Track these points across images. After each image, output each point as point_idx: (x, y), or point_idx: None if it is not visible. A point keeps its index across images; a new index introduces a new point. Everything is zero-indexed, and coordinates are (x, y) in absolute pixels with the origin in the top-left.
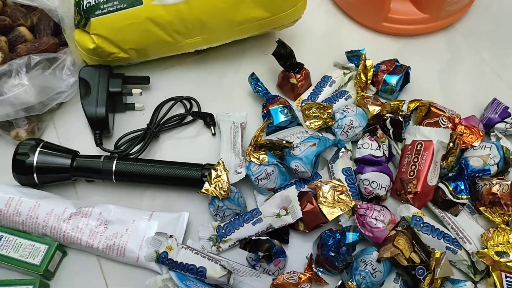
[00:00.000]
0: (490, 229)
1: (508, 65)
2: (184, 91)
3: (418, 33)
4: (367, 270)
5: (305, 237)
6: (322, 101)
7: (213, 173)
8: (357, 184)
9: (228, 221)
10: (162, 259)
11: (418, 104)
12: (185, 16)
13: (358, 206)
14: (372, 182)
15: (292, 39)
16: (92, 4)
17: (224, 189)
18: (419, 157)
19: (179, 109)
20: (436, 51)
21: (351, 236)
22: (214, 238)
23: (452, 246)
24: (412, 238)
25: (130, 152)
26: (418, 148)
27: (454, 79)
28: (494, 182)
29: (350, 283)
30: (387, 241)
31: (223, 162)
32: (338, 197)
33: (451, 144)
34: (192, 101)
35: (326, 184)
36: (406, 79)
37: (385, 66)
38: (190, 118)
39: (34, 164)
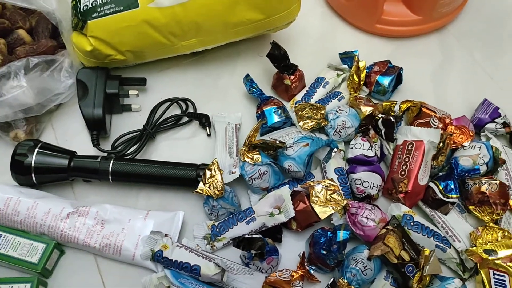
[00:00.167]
0: (479, 227)
1: (499, 66)
2: (180, 93)
3: (411, 34)
4: (358, 268)
5: (298, 235)
6: (315, 102)
7: (208, 173)
8: (349, 183)
9: (222, 220)
10: (157, 257)
11: (409, 104)
12: (181, 19)
13: (350, 205)
14: (364, 181)
15: (287, 41)
16: (89, 7)
17: (218, 189)
18: (410, 157)
19: (175, 110)
20: (429, 52)
21: (341, 234)
22: (209, 237)
23: (441, 244)
24: (402, 236)
25: (127, 152)
26: (409, 148)
27: (446, 80)
28: (483, 181)
29: (341, 280)
30: (378, 239)
31: (217, 162)
32: (330, 196)
33: (441, 144)
34: (188, 102)
35: (318, 183)
36: (398, 80)
37: (377, 67)
38: (186, 119)
39: (32, 165)
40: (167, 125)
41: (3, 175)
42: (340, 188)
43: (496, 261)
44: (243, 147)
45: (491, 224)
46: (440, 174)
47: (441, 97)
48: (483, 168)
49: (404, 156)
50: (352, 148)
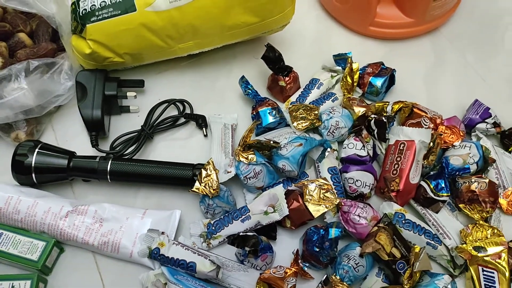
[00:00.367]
0: (469, 225)
1: (491, 68)
2: (177, 94)
3: (404, 36)
4: (350, 265)
5: (292, 233)
6: (309, 103)
7: (203, 172)
8: (342, 182)
9: (218, 219)
10: (154, 255)
11: (401, 105)
12: (177, 22)
13: (343, 204)
14: (357, 180)
15: (282, 43)
16: (88, 11)
17: (214, 188)
18: (402, 156)
19: (172, 112)
20: (422, 54)
21: (333, 232)
22: (205, 235)
23: (432, 242)
24: (393, 233)
25: (125, 152)
26: (401, 148)
27: (439, 81)
28: (473, 180)
29: (334, 277)
30: (370, 236)
31: (212, 162)
32: (324, 195)
33: (431, 143)
34: (185, 103)
35: (312, 182)
36: (391, 81)
37: (371, 69)
38: (183, 120)
39: (33, 165)
40: (165, 126)
41: (4, 175)
42: (333, 187)
43: (485, 258)
44: (238, 147)
45: (481, 222)
46: (431, 173)
47: (433, 98)
48: (473, 167)
49: (396, 155)
50: (345, 148)
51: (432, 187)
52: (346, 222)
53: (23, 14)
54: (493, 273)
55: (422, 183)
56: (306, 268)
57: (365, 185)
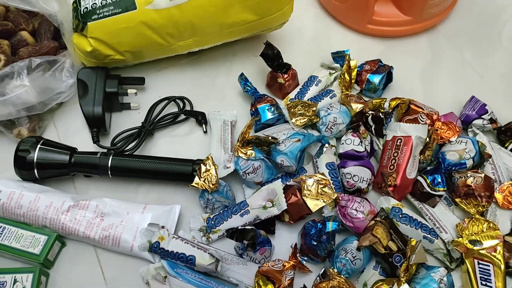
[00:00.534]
0: (465, 219)
1: (489, 65)
2: (177, 92)
3: (402, 34)
4: (347, 258)
5: (290, 228)
6: (308, 100)
7: (203, 168)
8: (340, 177)
9: (217, 213)
10: (155, 249)
11: (399, 102)
12: (177, 20)
13: (340, 198)
14: (354, 175)
15: (281, 41)
16: (89, 9)
17: (213, 183)
18: (399, 151)
19: (172, 109)
20: (419, 52)
21: (330, 225)
22: (204, 229)
23: (429, 236)
24: (390, 227)
25: (126, 149)
26: (398, 143)
27: (437, 78)
28: (468, 175)
29: (331, 270)
30: (367, 230)
31: (212, 157)
32: (322, 190)
33: (427, 139)
34: (185, 100)
35: (310, 177)
36: (389, 78)
37: (368, 66)
38: (183, 116)
39: (35, 160)
40: (165, 122)
41: (7, 170)
42: (331, 182)
43: (480, 251)
44: (237, 142)
45: (477, 216)
46: (428, 168)
47: (431, 95)
48: (469, 162)
49: (393, 151)
50: (343, 143)
51: (428, 182)
52: (344, 216)
53: (26, 12)
54: (488, 266)
55: (419, 178)
56: (304, 262)
57: (363, 180)
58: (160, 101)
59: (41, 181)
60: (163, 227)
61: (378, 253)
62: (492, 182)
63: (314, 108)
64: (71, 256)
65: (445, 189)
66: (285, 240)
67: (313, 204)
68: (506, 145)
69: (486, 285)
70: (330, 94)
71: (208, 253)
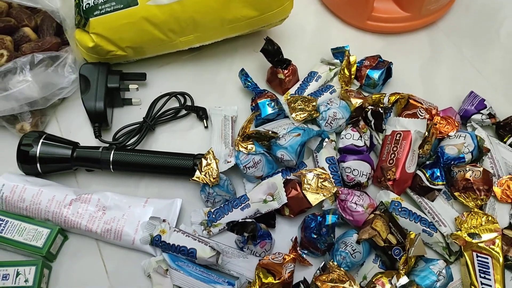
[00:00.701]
0: (464, 213)
1: (487, 61)
2: (178, 87)
3: (401, 31)
4: (347, 251)
5: (290, 221)
6: (308, 95)
7: (204, 162)
8: (340, 172)
9: (218, 207)
10: (156, 242)
11: (398, 97)
12: (179, 15)
13: (340, 192)
14: (354, 170)
15: (281, 37)
16: (91, 5)
17: (214, 176)
18: (398, 146)
19: (173, 104)
20: (419, 48)
21: (330, 218)
22: (205, 223)
23: (428, 229)
24: (389, 220)
25: (127, 143)
26: (397, 138)
27: (436, 74)
28: (467, 169)
29: (331, 263)
30: (366, 224)
31: (212, 151)
32: (322, 184)
33: (426, 133)
34: (186, 96)
35: (310, 172)
36: (388, 74)
37: (368, 62)
38: (184, 112)
39: (37, 155)
40: (166, 117)
41: (10, 165)
42: (331, 176)
43: (479, 244)
44: (237, 137)
45: (476, 210)
46: (427, 162)
47: (430, 90)
48: (468, 157)
49: (393, 145)
50: (342, 138)
51: (427, 176)
52: (344, 210)
53: (28, 9)
54: (487, 258)
55: (418, 172)
56: (304, 255)
57: (362, 174)
58: (161, 97)
59: (43, 175)
60: (164, 220)
61: (378, 246)
62: (490, 176)
63: (314, 103)
64: (74, 250)
65: (444, 183)
66: (285, 234)
67: (313, 198)
68: (504, 140)
69: (484, 277)
70: (330, 90)
71: (209, 246)
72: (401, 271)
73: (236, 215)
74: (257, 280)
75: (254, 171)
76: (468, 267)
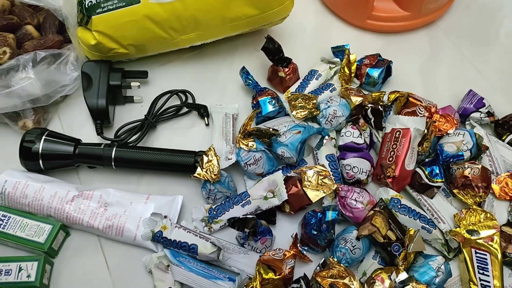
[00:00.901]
0: (463, 210)
1: (486, 60)
2: (180, 85)
3: (401, 30)
4: (347, 247)
5: (291, 218)
6: (308, 93)
7: (205, 158)
8: (340, 169)
9: (219, 204)
10: (157, 238)
11: (397, 95)
12: (180, 14)
13: (340, 189)
14: (354, 167)
15: (282, 36)
16: (93, 3)
17: (215, 173)
18: (397, 143)
19: (175, 102)
20: (418, 47)
21: (330, 214)
22: (206, 219)
23: (427, 226)
24: (388, 217)
25: (129, 140)
26: (396, 136)
27: (435, 73)
28: (466, 166)
29: (331, 259)
30: (366, 220)
31: (214, 148)
32: (322, 181)
33: (426, 131)
34: (187, 94)
35: (310, 169)
36: (388, 72)
37: (368, 60)
38: (185, 109)
39: (40, 151)
40: (168, 115)
41: (12, 161)
42: (331, 173)
43: (478, 241)
44: (238, 134)
45: (474, 207)
46: (426, 160)
47: (429, 89)
48: (466, 154)
49: (392, 143)
50: (342, 136)
51: (427, 173)
52: (343, 206)
53: (31, 7)
54: (485, 255)
55: (417, 169)
56: (304, 252)
57: (362, 171)
58: (162, 94)
59: (45, 172)
60: (165, 216)
61: (377, 242)
62: (489, 173)
63: (315, 101)
64: (75, 246)
65: (443, 180)
66: (286, 231)
67: (314, 195)
68: (503, 138)
69: (483, 273)
70: (330, 88)
71: (210, 242)
72: (400, 267)
73: (237, 211)
74: (257, 276)
75: (255, 168)
76: (467, 263)
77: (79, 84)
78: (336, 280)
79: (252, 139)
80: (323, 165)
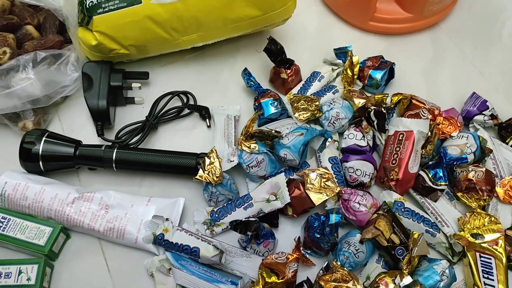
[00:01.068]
0: (467, 213)
1: (489, 62)
2: (181, 87)
3: (404, 31)
4: (350, 251)
5: (293, 221)
6: (311, 95)
7: (207, 160)
8: (343, 172)
9: (221, 206)
10: (159, 241)
11: (400, 97)
12: (182, 14)
13: (343, 192)
14: (357, 169)
15: (284, 37)
16: (94, 3)
17: (217, 175)
18: (401, 146)
19: (176, 103)
20: (421, 48)
21: (333, 217)
22: (208, 222)
23: (431, 229)
24: (392, 220)
25: (130, 142)
26: (400, 138)
27: (438, 75)
28: (470, 169)
29: (334, 263)
30: (369, 223)
31: (215, 150)
32: (325, 183)
33: (429, 133)
34: (188, 95)
35: (313, 171)
36: (391, 74)
37: (370, 62)
38: (186, 111)
39: (40, 152)
40: (169, 116)
41: (12, 163)
42: (334, 176)
43: (482, 245)
44: (240, 136)
45: (478, 210)
46: (430, 163)
47: (432, 91)
48: (470, 157)
49: (395, 145)
50: (345, 138)
51: (430, 176)
52: (347, 209)
53: (31, 7)
54: (490, 259)
55: (421, 172)
56: (307, 255)
57: (365, 174)
58: (164, 96)
59: (46, 174)
60: (167, 219)
61: (381, 246)
62: (493, 176)
63: (317, 103)
64: (76, 248)
65: (447, 183)
66: (288, 234)
67: (316, 198)
68: (507, 141)
69: (488, 278)
70: (333, 90)
71: (212, 245)
72: (404, 271)
73: (239, 214)
74: (260, 280)
75: (257, 171)
76: (471, 267)
77: (80, 85)
78: (339, 284)
79: (254, 141)
80: (326, 168)
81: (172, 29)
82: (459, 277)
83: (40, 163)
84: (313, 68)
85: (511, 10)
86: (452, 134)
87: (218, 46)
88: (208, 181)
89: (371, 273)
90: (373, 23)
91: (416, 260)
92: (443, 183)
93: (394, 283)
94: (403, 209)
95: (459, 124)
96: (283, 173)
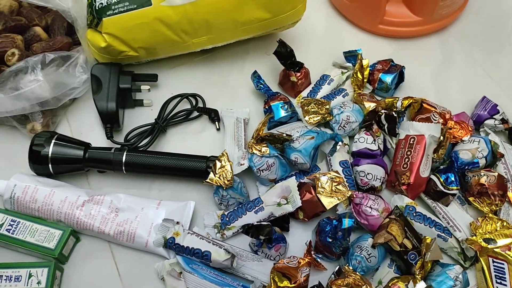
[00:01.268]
0: (479, 218)
1: (498, 66)
2: (190, 89)
3: (413, 35)
4: (362, 255)
5: (304, 225)
6: (320, 98)
7: (218, 164)
8: (354, 175)
9: (231, 210)
10: (170, 244)
11: (411, 101)
12: (192, 17)
13: (354, 196)
14: (368, 173)
15: (294, 40)
16: (104, 5)
17: (228, 179)
18: (412, 150)
19: (185, 106)
20: (430, 52)
21: (346, 222)
22: (219, 226)
23: (443, 234)
24: (404, 225)
25: (139, 145)
26: (411, 142)
27: (447, 78)
28: (482, 174)
29: (346, 267)
30: (381, 228)
31: (227, 153)
32: (336, 187)
33: (441, 137)
34: (197, 97)
35: (324, 175)
36: (400, 78)
37: (380, 66)
38: (195, 113)
39: (49, 155)
40: (178, 119)
41: (21, 165)
42: (345, 180)
43: (495, 250)
44: (251, 139)
45: (490, 215)
46: (441, 167)
47: (442, 95)
48: (482, 162)
49: (406, 149)
50: (356, 142)
51: (442, 180)
52: (358, 214)
53: (39, 8)
54: (503, 264)
55: (432, 176)
56: (319, 260)
57: (376, 178)
58: (172, 98)
59: (55, 176)
60: (178, 222)
61: (393, 250)
62: (505, 181)
63: (328, 106)
64: (86, 252)
65: (459, 188)
66: (299, 238)
67: (328, 202)
68: None
69: (501, 283)
70: (343, 93)
71: (224, 249)
72: (417, 276)
73: (250, 218)
74: (272, 284)
75: (267, 174)
76: (484, 272)
77: (88, 87)
78: None
79: (265, 145)
80: (336, 171)
81: (182, 31)
82: (472, 282)
83: (50, 165)
84: (322, 71)
85: None
86: (463, 139)
87: (228, 49)
88: (219, 184)
89: (383, 278)
90: (383, 26)
91: (429, 265)
92: (455, 187)
93: None
94: (414, 214)
95: (470, 129)
96: (294, 177)
